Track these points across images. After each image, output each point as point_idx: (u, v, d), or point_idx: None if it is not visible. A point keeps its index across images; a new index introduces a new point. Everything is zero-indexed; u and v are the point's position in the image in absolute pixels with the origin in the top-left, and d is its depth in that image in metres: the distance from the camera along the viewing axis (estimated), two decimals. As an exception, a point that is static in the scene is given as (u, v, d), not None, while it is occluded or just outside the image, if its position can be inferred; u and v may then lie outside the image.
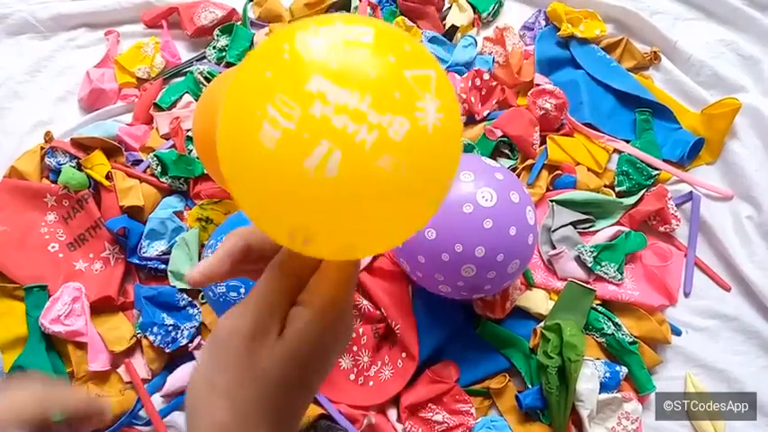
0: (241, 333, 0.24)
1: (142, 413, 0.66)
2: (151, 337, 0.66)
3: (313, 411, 0.63)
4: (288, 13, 0.94)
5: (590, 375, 0.64)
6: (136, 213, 0.75)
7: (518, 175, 0.80)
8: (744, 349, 0.70)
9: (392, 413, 0.66)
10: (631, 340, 0.67)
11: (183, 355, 0.68)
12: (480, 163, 0.62)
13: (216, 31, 0.92)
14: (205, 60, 0.92)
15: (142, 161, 0.81)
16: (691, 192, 0.79)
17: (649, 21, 0.92)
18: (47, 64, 0.93)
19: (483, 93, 0.84)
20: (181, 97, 0.87)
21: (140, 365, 0.68)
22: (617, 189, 0.79)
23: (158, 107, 0.85)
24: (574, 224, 0.75)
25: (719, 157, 0.83)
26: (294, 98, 0.19)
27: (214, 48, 0.91)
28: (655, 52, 0.90)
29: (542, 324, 0.69)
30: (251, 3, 0.97)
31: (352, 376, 0.68)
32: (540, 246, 0.75)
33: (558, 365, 0.63)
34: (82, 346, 0.67)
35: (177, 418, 0.66)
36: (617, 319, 0.69)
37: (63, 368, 0.66)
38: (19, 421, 0.32)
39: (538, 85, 0.85)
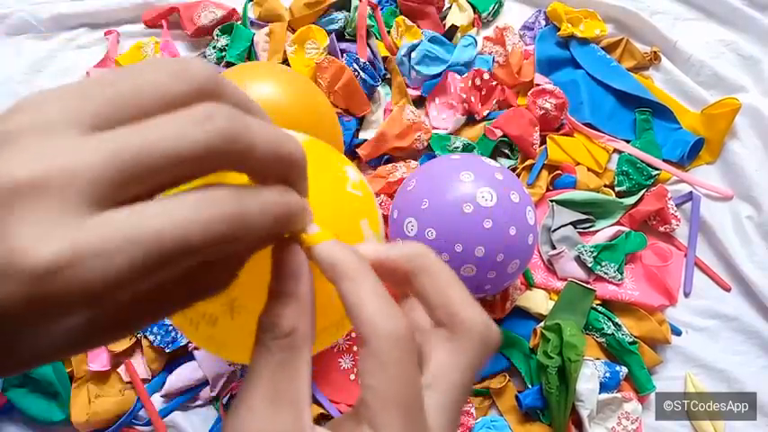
0: None
1: (142, 413, 0.66)
2: (151, 337, 0.66)
3: (313, 411, 0.63)
4: (288, 12, 0.94)
5: (590, 375, 0.64)
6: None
7: (518, 175, 0.79)
8: (744, 349, 0.70)
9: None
10: (631, 340, 0.67)
11: (182, 356, 0.68)
12: (480, 163, 0.62)
13: (216, 31, 0.92)
14: (205, 60, 0.92)
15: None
16: (691, 192, 0.79)
17: (649, 21, 0.92)
18: (47, 64, 0.92)
19: (483, 93, 0.84)
20: (181, 97, 0.87)
21: (140, 365, 0.67)
22: (617, 189, 0.79)
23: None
24: (574, 224, 0.75)
25: (719, 157, 0.83)
26: None
27: (214, 48, 0.91)
28: (655, 52, 0.90)
29: (542, 324, 0.69)
30: (251, 2, 0.97)
31: (353, 376, 0.68)
32: (540, 246, 0.75)
33: (558, 365, 0.63)
34: (82, 346, 0.67)
35: (177, 418, 0.66)
36: (617, 319, 0.69)
37: (63, 368, 0.66)
38: None
39: (538, 84, 0.85)
